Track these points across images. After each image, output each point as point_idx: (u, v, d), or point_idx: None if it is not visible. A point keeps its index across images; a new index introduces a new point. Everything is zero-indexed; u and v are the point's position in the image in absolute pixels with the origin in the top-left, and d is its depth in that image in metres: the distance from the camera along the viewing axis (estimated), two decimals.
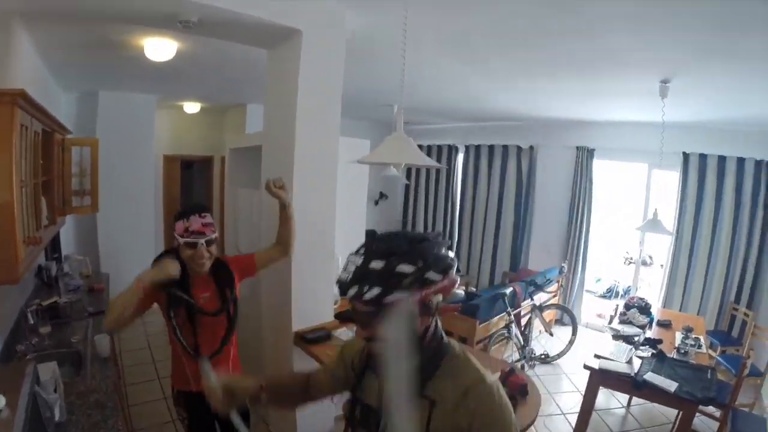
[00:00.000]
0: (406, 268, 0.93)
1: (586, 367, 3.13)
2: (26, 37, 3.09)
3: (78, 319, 2.97)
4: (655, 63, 3.05)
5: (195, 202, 2.01)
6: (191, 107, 6.53)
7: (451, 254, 1.01)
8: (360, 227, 4.08)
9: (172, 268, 1.84)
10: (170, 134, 6.93)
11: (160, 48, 3.31)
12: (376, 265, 0.94)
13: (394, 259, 0.93)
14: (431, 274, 0.95)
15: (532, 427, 3.30)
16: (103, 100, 5.29)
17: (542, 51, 3.06)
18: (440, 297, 1.00)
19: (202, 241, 1.90)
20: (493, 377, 1.02)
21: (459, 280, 1.03)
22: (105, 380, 2.16)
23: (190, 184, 8.03)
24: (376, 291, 0.93)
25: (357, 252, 0.99)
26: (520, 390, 2.28)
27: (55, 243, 4.07)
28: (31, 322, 2.51)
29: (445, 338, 1.08)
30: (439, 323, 1.07)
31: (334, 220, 2.92)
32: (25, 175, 2.01)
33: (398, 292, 0.93)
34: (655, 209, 3.89)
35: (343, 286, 0.97)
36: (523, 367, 4.49)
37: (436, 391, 1.00)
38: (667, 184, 5.56)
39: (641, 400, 3.81)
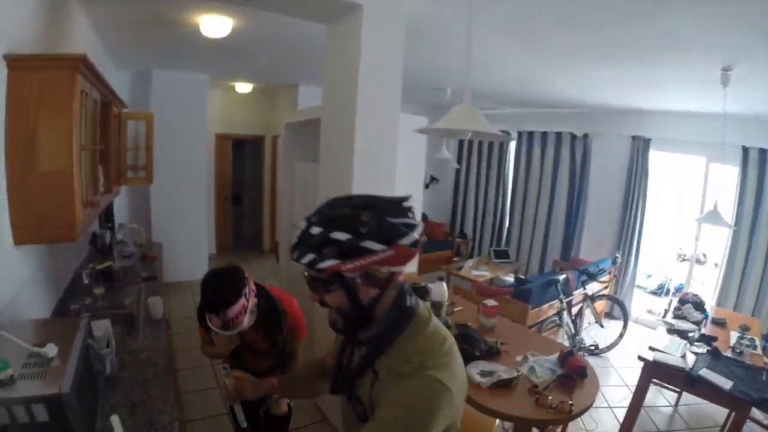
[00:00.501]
0: (340, 235, 0.91)
1: (640, 358, 3.02)
2: (83, 15, 3.20)
3: (131, 284, 3.08)
4: (717, 48, 2.86)
5: (211, 298, 1.69)
6: (243, 87, 6.66)
7: (411, 221, 0.97)
8: (416, 210, 4.03)
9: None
10: (222, 114, 7.12)
11: (215, 25, 3.35)
12: (315, 230, 0.94)
13: (333, 226, 0.92)
14: (370, 243, 0.91)
15: (579, 419, 3.28)
16: (157, 79, 5.46)
17: (601, 33, 2.91)
18: (390, 268, 0.96)
19: (226, 333, 1.73)
20: (442, 373, 0.93)
21: (417, 251, 0.98)
22: (157, 340, 2.23)
23: (241, 163, 8.24)
24: (310, 257, 0.94)
25: (307, 217, 0.98)
26: (579, 372, 2.20)
27: (108, 213, 4.26)
28: (86, 281, 2.62)
29: (415, 312, 1.02)
30: (407, 296, 1.03)
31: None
32: (85, 141, 2.09)
33: (331, 259, 0.92)
34: (715, 201, 3.68)
35: (291, 249, 0.98)
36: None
37: (382, 365, 0.99)
38: (725, 179, 5.20)
39: (689, 400, 3.68)
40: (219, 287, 1.69)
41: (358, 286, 0.96)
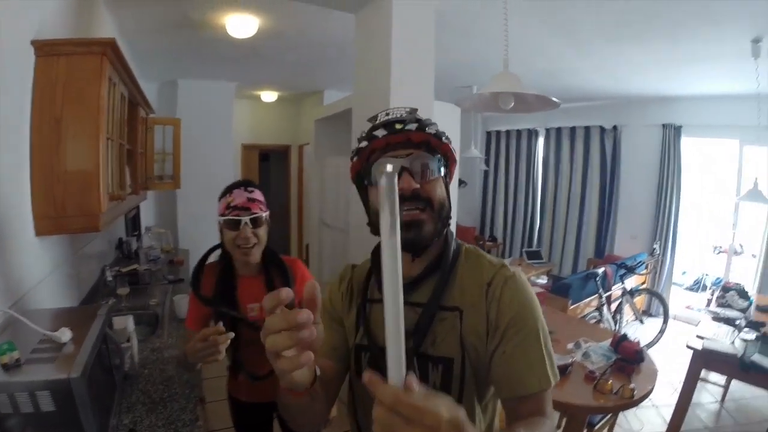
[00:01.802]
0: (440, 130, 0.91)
1: (689, 347, 2.91)
2: (110, 18, 3.21)
3: (158, 285, 3.02)
4: (745, 18, 2.77)
5: (242, 179, 1.68)
6: (268, 96, 6.68)
7: None
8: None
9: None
10: (248, 124, 7.15)
11: (241, 25, 3.32)
12: (421, 116, 0.91)
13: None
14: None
15: (622, 415, 3.19)
16: (183, 89, 5.48)
17: (629, 7, 2.81)
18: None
19: (247, 218, 1.53)
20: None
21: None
22: (181, 339, 2.12)
23: (267, 175, 8.25)
24: (434, 127, 0.89)
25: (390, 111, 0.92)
26: (636, 357, 2.06)
27: (135, 221, 4.25)
28: (109, 279, 2.55)
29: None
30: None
31: None
32: (111, 132, 2.03)
33: (448, 139, 0.91)
34: (756, 178, 3.58)
35: (401, 120, 0.87)
36: None
37: (457, 297, 0.87)
38: (760, 162, 4.96)
39: (736, 396, 3.63)
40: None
41: (447, 182, 0.92)
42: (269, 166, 8.39)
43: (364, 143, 0.90)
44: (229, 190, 1.62)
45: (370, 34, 2.68)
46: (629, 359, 2.10)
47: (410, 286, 0.87)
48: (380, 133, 0.87)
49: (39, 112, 1.72)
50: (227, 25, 3.33)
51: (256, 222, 1.56)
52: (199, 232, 5.58)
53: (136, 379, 1.67)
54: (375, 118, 0.91)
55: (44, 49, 1.74)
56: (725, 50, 3.44)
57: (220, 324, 1.26)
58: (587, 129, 6.39)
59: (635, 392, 1.85)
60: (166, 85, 5.50)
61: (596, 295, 4.36)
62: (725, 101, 4.98)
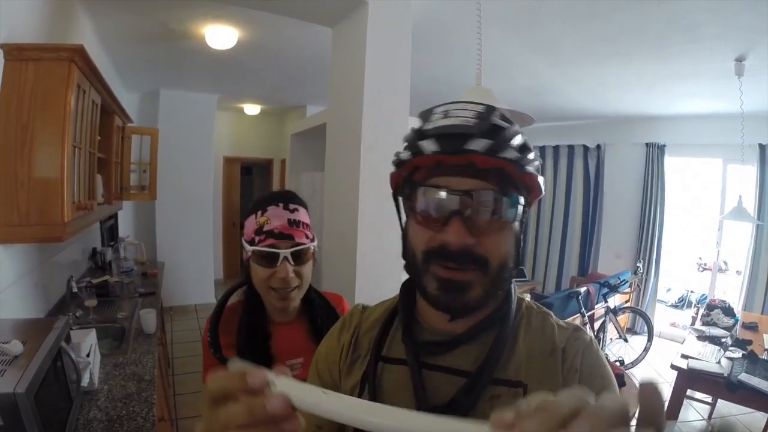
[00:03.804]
0: (531, 151, 0.62)
1: (673, 366, 2.88)
2: (90, 26, 3.17)
3: (127, 298, 2.93)
4: (729, 36, 2.80)
5: (279, 190, 1.25)
6: (251, 109, 6.65)
7: None
8: None
9: None
10: (231, 136, 7.10)
11: (220, 36, 3.31)
12: (505, 125, 0.60)
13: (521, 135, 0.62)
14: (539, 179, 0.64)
15: None
16: (165, 99, 5.42)
17: (611, 24, 2.83)
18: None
19: (287, 252, 1.07)
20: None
21: None
22: (146, 355, 2.05)
23: (250, 189, 8.18)
24: (513, 152, 0.58)
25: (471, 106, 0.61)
26: (617, 380, 1.99)
27: (112, 232, 4.16)
28: (74, 290, 2.48)
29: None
30: None
31: None
32: (79, 140, 1.99)
33: (532, 167, 0.60)
34: (740, 196, 3.61)
35: (466, 135, 0.56)
36: None
37: (520, 369, 0.62)
38: (743, 181, 5.01)
39: (723, 412, 3.58)
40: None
41: (523, 226, 0.65)
42: (252, 180, 8.32)
43: (406, 154, 0.62)
44: (262, 205, 1.12)
45: (345, 49, 2.67)
46: None
47: (446, 346, 0.65)
48: (429, 147, 0.58)
49: (5, 118, 1.68)
50: (207, 37, 3.32)
51: (300, 256, 1.10)
52: (177, 245, 5.52)
53: (95, 395, 1.60)
54: (429, 113, 0.64)
55: (13, 54, 1.71)
56: (709, 69, 3.47)
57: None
58: (571, 147, 6.44)
59: None
60: (148, 95, 5.44)
61: (578, 314, 4.33)
62: (709, 120, 5.06)
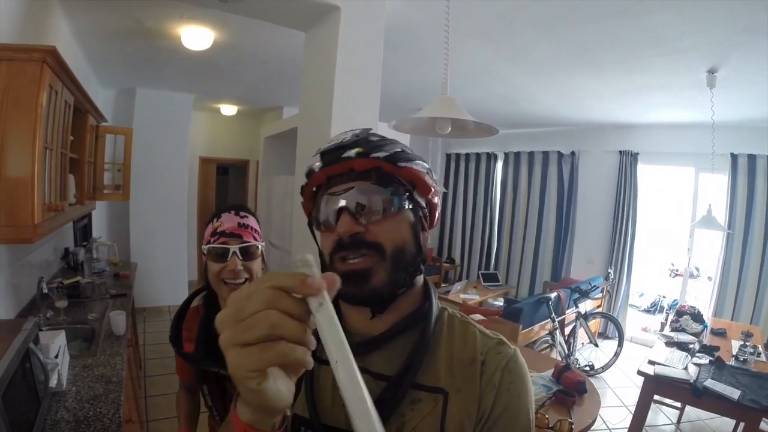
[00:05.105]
0: (409, 152, 0.71)
1: (640, 372, 2.90)
2: (65, 22, 3.14)
3: (98, 299, 2.91)
4: (701, 49, 2.87)
5: (233, 203, 1.41)
6: (228, 109, 6.62)
7: None
8: None
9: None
10: (207, 136, 7.05)
11: (196, 37, 3.31)
12: (374, 137, 0.70)
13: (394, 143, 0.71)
14: (432, 176, 0.73)
15: None
16: (141, 97, 5.36)
17: (583, 34, 2.90)
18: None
19: (236, 247, 1.23)
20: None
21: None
22: (115, 356, 2.05)
23: (225, 189, 8.12)
24: (389, 149, 0.68)
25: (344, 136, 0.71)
26: (577, 388, 2.07)
27: (85, 232, 4.10)
28: (45, 291, 2.46)
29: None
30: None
31: None
32: (51, 141, 1.99)
33: (410, 162, 0.69)
34: (710, 205, 3.67)
35: (341, 147, 0.68)
36: None
37: (441, 376, 0.66)
38: (714, 189, 5.18)
39: (692, 416, 3.62)
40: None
41: (420, 218, 0.70)
42: (228, 180, 8.27)
43: (304, 181, 0.73)
44: (217, 214, 1.32)
45: (316, 53, 2.69)
46: (570, 391, 2.07)
47: (367, 346, 0.68)
48: (317, 165, 0.69)
49: None
50: (182, 37, 3.32)
51: (248, 253, 1.26)
52: (151, 245, 5.46)
53: (63, 396, 1.61)
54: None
55: None
56: (681, 81, 3.56)
57: None
58: (546, 154, 6.55)
59: (573, 427, 1.82)
60: (124, 93, 5.37)
61: (548, 319, 4.35)
62: (681, 130, 5.20)
